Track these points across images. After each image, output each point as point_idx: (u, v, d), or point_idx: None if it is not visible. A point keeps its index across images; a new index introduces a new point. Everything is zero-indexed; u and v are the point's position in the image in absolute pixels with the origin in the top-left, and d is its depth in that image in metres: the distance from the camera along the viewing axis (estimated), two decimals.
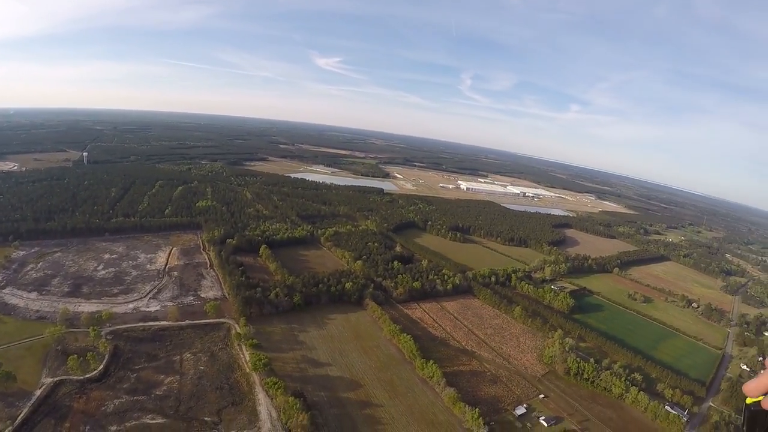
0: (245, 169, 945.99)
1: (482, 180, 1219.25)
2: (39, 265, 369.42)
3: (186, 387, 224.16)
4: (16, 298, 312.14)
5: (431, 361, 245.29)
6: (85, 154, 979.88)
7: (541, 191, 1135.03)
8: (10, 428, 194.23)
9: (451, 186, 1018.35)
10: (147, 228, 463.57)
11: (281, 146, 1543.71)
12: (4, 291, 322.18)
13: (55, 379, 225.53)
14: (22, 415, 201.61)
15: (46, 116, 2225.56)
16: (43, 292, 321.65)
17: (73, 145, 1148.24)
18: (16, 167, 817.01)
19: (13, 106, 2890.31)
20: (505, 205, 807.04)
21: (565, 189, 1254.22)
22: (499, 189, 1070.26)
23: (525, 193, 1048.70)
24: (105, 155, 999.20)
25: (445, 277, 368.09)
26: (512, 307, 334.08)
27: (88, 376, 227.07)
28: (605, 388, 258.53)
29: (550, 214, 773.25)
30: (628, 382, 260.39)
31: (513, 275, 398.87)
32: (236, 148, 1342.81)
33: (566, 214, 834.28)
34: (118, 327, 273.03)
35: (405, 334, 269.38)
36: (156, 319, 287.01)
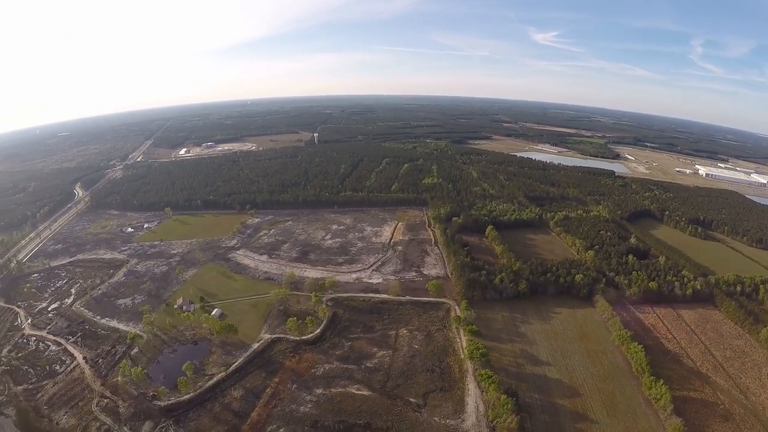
0: (470, 147, 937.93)
1: (722, 165, 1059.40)
2: (271, 232, 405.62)
3: (397, 363, 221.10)
4: (248, 259, 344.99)
5: (660, 381, 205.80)
6: (315, 134, 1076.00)
7: None
8: (223, 373, 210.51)
9: (688, 171, 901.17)
10: (374, 202, 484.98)
11: (504, 125, 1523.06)
12: (238, 252, 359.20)
13: (273, 336, 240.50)
14: (236, 363, 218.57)
15: (278, 104, 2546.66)
16: (273, 256, 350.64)
17: (304, 127, 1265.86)
18: (254, 147, 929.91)
19: (250, 98, 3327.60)
20: (750, 197, 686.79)
21: None
22: (742, 177, 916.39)
23: None
24: (334, 135, 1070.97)
25: (685, 279, 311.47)
26: (758, 327, 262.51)
27: (304, 337, 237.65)
28: None
29: None
30: None
31: (761, 287, 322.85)
32: (460, 127, 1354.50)
33: None
34: (339, 295, 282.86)
35: (635, 343, 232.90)
36: (377, 291, 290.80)
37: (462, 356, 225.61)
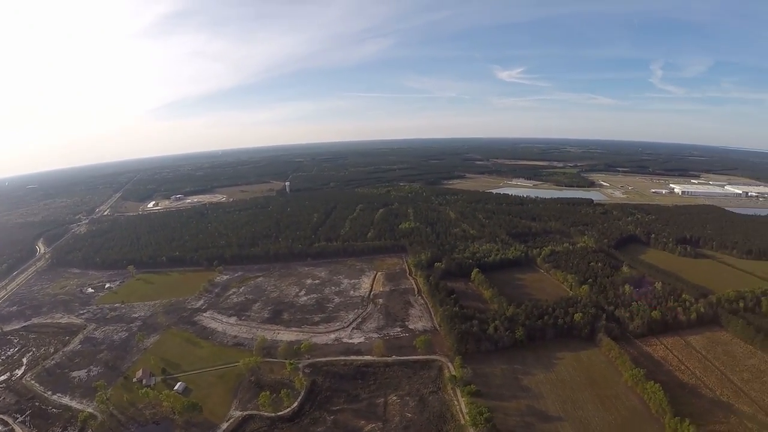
0: (444, 187, 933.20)
1: (695, 181, 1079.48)
2: (241, 290, 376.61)
3: None
4: (216, 322, 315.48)
5: (686, 421, 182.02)
6: (287, 183, 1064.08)
7: (764, 189, 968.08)
8: None
9: (664, 191, 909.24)
10: (350, 252, 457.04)
11: (477, 163, 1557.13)
12: (204, 314, 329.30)
13: (244, 413, 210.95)
14: None
15: (249, 154, 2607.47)
16: (243, 318, 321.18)
17: (275, 176, 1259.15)
18: (224, 198, 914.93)
19: (221, 149, 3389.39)
20: (729, 209, 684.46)
21: None
22: (717, 190, 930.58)
23: (747, 192, 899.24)
24: (306, 183, 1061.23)
25: (687, 303, 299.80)
26: None
27: (280, 413, 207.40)
28: None
29: None
30: None
31: (764, 299, 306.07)
32: (432, 168, 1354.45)
33: None
34: (317, 360, 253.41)
35: (651, 382, 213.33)
36: (359, 352, 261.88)
37: (462, 421, 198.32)
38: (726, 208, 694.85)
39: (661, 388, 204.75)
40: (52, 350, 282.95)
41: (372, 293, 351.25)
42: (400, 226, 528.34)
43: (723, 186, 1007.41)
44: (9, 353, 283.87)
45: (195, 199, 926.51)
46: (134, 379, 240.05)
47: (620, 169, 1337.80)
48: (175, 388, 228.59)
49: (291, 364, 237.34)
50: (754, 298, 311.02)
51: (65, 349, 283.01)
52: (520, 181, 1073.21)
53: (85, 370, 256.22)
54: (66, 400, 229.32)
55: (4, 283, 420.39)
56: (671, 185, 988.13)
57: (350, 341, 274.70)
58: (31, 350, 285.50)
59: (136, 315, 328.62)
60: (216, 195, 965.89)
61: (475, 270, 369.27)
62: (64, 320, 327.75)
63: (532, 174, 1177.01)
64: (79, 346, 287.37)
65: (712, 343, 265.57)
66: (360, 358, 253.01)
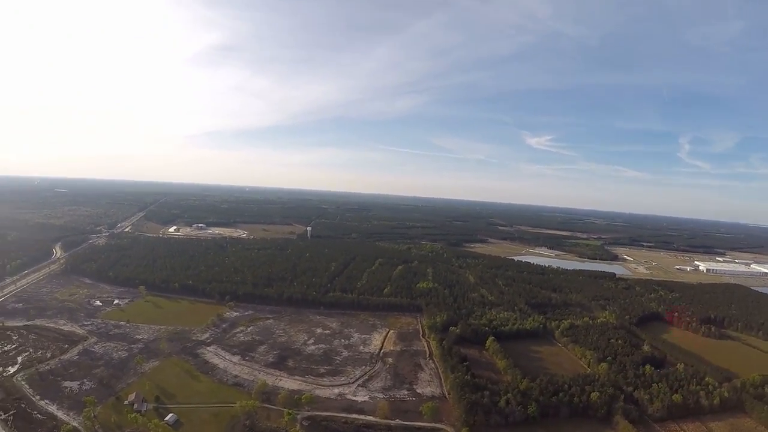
0: (466, 250, 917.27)
1: (720, 259, 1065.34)
2: (249, 329, 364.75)
3: None
4: (218, 358, 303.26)
5: None
6: (309, 228, 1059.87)
7: None
8: None
9: (688, 268, 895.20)
10: (364, 306, 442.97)
11: (500, 228, 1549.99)
12: (208, 348, 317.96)
13: None
14: None
15: (276, 194, 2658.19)
16: (247, 358, 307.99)
17: (299, 219, 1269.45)
18: (245, 234, 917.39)
19: (249, 185, 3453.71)
20: (755, 289, 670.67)
21: None
22: (743, 269, 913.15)
23: None
24: (327, 231, 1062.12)
25: (710, 387, 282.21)
26: None
27: None
28: None
29: None
30: None
31: None
32: (455, 229, 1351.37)
33: None
34: (317, 413, 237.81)
35: None
36: (362, 411, 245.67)
37: None
38: (752, 288, 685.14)
39: None
40: (49, 355, 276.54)
41: (382, 351, 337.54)
42: (417, 285, 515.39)
43: (749, 264, 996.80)
44: (5, 349, 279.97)
45: (216, 230, 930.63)
46: (126, 402, 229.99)
47: (644, 243, 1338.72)
48: (166, 418, 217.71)
49: (289, 413, 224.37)
50: None
51: (62, 357, 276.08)
52: (543, 250, 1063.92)
53: (78, 383, 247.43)
54: (53, 408, 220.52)
55: (15, 278, 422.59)
56: (696, 262, 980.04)
57: (354, 398, 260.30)
58: (29, 350, 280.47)
59: (139, 337, 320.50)
60: (237, 230, 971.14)
61: (491, 338, 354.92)
62: (67, 328, 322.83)
63: (555, 243, 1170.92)
64: (77, 356, 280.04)
65: (736, 430, 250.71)
66: (362, 417, 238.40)
